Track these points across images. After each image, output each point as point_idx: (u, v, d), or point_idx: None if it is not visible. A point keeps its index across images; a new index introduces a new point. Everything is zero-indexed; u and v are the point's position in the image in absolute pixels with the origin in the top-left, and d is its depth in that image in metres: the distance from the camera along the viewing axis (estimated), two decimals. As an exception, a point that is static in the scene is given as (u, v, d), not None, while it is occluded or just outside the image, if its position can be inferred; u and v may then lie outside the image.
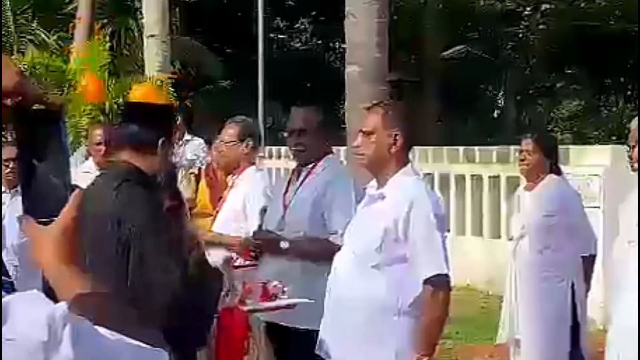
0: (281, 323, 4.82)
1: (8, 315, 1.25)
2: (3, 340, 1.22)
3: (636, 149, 3.93)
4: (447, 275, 3.93)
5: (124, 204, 3.23)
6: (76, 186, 1.64)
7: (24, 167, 1.57)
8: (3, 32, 17.73)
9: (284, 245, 4.81)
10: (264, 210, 5.30)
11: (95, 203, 3.09)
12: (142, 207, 3.27)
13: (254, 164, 5.78)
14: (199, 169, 8.70)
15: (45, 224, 1.59)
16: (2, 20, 17.74)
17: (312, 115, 5.04)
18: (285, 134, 5.11)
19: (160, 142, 3.41)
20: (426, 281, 3.89)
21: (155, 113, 3.63)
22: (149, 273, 3.15)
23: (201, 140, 9.29)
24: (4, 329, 1.23)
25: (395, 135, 4.04)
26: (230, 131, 5.73)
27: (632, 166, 4.02)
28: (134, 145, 3.38)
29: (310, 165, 4.99)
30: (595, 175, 9.18)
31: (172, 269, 3.16)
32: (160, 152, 3.42)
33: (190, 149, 8.99)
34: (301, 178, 5.00)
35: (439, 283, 3.91)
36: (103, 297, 1.60)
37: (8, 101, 1.52)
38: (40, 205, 1.58)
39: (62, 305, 1.30)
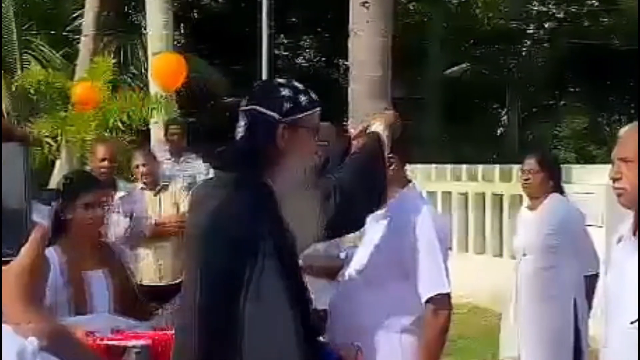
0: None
1: None
2: None
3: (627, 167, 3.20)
4: (448, 295, 3.93)
5: None
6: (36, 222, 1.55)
7: None
8: (7, 49, 17.74)
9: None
10: None
11: None
12: None
13: None
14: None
15: (4, 262, 1.48)
16: (6, 36, 17.74)
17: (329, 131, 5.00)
18: None
19: None
20: (428, 300, 3.89)
21: None
22: None
23: (199, 160, 9.01)
24: None
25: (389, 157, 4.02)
26: None
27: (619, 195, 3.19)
28: None
29: None
30: (598, 194, 9.17)
31: None
32: None
33: (190, 167, 8.83)
34: None
35: (441, 302, 3.90)
36: (67, 333, 1.55)
37: None
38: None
39: (33, 340, 1.29)
